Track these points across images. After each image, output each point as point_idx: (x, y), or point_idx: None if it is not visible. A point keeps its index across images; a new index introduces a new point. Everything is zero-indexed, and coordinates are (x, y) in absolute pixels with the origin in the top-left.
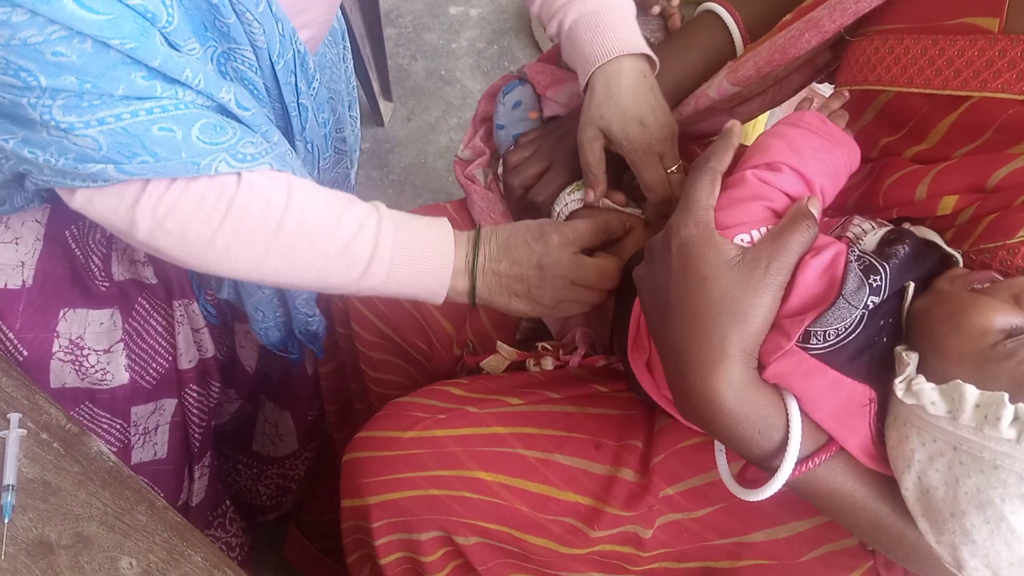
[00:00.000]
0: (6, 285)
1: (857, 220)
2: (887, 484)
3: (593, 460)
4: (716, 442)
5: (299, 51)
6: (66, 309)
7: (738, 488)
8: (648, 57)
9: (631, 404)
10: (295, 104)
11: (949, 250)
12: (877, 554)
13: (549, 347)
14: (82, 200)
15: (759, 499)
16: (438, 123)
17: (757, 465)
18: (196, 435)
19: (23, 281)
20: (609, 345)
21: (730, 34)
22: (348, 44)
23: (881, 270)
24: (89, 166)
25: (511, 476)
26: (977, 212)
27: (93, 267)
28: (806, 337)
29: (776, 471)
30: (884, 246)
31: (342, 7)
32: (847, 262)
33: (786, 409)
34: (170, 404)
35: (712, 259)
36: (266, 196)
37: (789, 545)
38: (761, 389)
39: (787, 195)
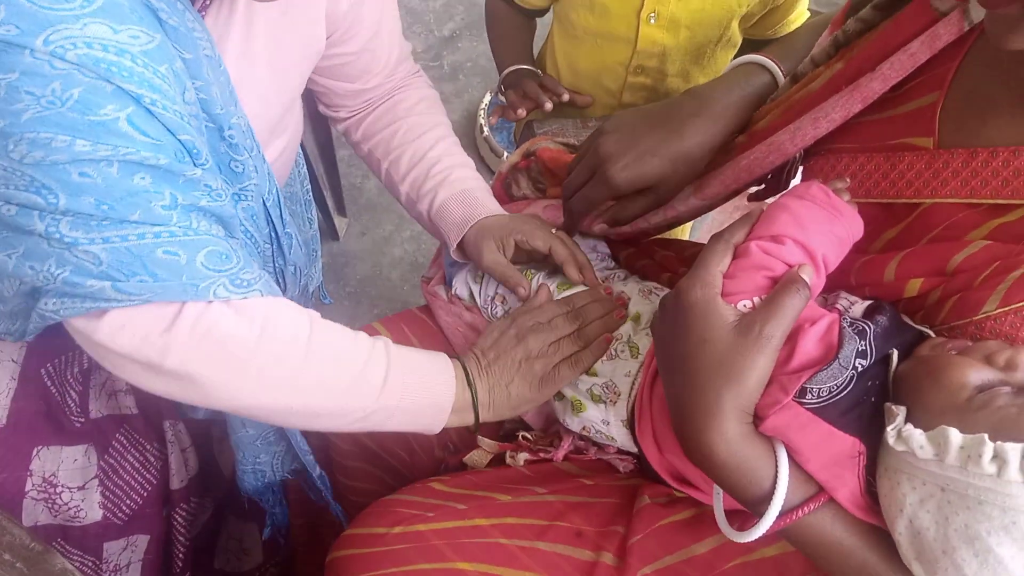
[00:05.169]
0: None
1: (844, 295)
2: (875, 534)
3: (575, 546)
4: (715, 485)
5: (279, 188)
6: (40, 447)
7: (729, 529)
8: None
9: (614, 493)
10: (283, 233)
11: (920, 328)
12: None
13: (529, 437)
14: (112, 327)
15: (747, 540)
16: (392, 236)
17: (749, 509)
18: (180, 554)
19: None
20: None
21: (772, 76)
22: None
23: (868, 334)
24: (88, 282)
25: (492, 564)
26: (943, 294)
27: (70, 402)
28: (802, 393)
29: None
30: (868, 315)
31: None
32: (841, 328)
33: (776, 461)
34: (143, 540)
35: (712, 322)
36: (293, 325)
37: None
38: (754, 442)
39: (788, 265)
